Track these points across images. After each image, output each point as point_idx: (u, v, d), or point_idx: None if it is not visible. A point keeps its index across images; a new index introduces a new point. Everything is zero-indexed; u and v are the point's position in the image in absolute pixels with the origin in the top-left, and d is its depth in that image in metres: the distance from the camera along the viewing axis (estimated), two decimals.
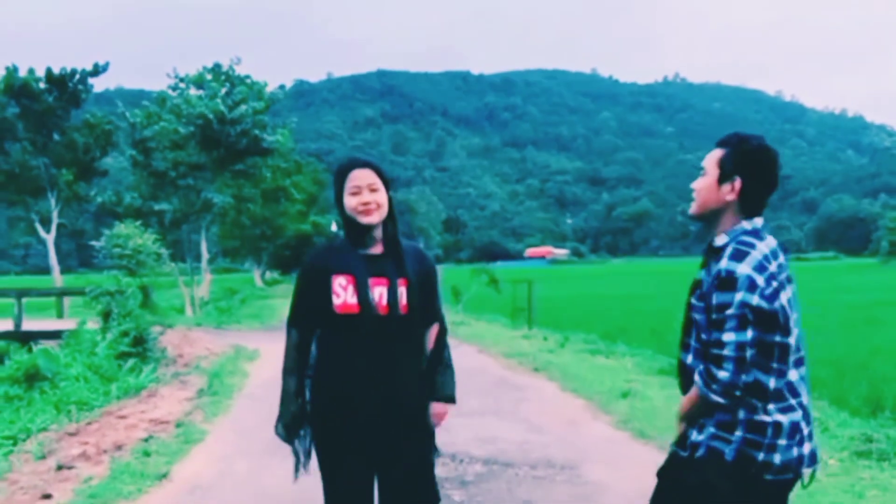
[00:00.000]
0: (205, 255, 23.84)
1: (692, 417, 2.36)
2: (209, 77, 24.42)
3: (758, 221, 2.36)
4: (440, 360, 2.83)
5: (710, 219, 2.43)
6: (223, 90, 21.72)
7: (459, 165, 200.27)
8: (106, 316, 11.56)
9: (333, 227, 71.86)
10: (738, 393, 2.18)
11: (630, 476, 5.05)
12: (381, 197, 2.63)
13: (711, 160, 2.43)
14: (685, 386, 2.42)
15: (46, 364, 8.64)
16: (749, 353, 2.15)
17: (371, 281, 2.62)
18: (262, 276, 46.70)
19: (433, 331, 2.84)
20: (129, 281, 12.25)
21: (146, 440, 6.47)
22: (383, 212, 2.64)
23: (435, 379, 2.80)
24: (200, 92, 22.51)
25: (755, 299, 2.15)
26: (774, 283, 2.19)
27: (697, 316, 2.34)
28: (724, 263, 2.24)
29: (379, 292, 2.62)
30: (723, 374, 2.19)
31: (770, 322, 2.15)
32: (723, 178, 2.37)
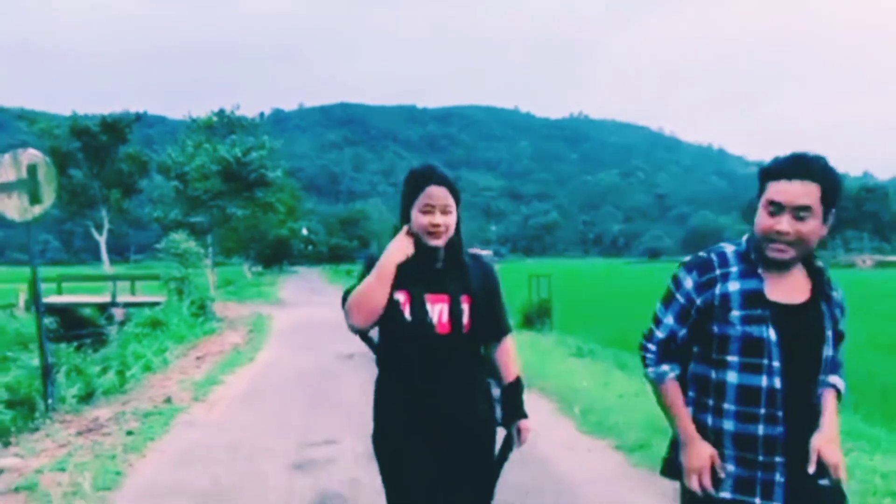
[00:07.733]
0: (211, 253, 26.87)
1: None
2: (215, 119, 28.13)
3: None
4: (519, 377, 2.20)
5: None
6: (234, 137, 25.24)
7: None
8: (179, 292, 15.39)
9: (304, 232, 74.32)
10: None
11: None
12: (452, 220, 2.05)
13: (812, 198, 1.65)
14: (811, 417, 1.75)
15: (163, 316, 12.54)
16: None
17: (429, 298, 2.03)
18: (250, 270, 49.44)
19: (506, 344, 2.20)
20: (191, 271, 16.01)
21: (234, 349, 10.54)
22: (450, 234, 2.06)
23: (518, 397, 2.18)
24: (212, 133, 26.12)
25: None
26: None
27: (828, 345, 1.77)
28: (839, 293, 1.81)
29: (439, 309, 2.03)
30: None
31: None
32: (825, 216, 1.70)
